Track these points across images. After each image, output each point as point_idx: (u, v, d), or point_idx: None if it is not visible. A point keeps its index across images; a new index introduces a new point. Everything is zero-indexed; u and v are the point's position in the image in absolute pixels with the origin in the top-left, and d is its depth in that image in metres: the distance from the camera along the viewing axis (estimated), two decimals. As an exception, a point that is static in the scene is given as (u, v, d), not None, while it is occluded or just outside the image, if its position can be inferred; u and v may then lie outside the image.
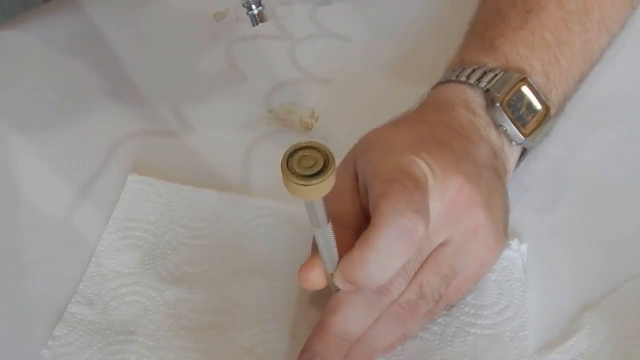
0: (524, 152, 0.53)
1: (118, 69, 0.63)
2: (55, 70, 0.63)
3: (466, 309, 0.49)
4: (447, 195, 0.45)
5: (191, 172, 0.56)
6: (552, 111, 0.53)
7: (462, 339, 0.48)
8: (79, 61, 0.63)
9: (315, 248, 0.45)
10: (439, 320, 0.48)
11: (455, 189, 0.46)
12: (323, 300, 0.48)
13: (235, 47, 0.64)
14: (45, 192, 0.55)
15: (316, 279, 0.45)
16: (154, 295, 0.50)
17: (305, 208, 0.41)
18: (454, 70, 0.53)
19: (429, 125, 0.49)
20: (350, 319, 0.45)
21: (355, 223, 0.45)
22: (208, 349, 0.47)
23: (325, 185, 0.38)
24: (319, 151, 0.39)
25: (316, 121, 0.58)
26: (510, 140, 0.51)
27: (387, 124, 0.50)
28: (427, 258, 0.46)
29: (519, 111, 0.51)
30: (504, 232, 0.48)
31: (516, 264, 0.50)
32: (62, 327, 0.48)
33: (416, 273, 0.45)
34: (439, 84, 0.53)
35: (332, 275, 0.44)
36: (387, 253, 0.43)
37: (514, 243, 0.51)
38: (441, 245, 0.46)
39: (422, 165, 0.45)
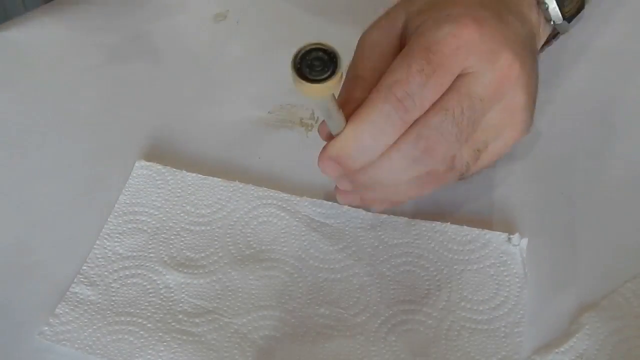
0: (547, 41, 0.54)
1: (118, 70, 0.63)
2: (55, 70, 0.63)
3: (462, 303, 0.49)
4: (498, 67, 0.46)
5: (192, 170, 0.56)
6: None
7: (456, 333, 0.47)
8: (79, 61, 0.63)
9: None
10: (435, 314, 0.48)
11: (507, 64, 0.46)
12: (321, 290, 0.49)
13: (235, 49, 0.64)
14: (46, 193, 0.55)
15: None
16: (155, 279, 0.50)
17: (314, 103, 0.44)
18: None
19: None
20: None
21: None
22: (204, 334, 0.48)
23: (333, 84, 0.40)
24: (326, 52, 0.40)
25: (316, 122, 0.58)
26: (549, 19, 0.51)
27: None
28: (466, 133, 0.46)
29: None
30: (532, 119, 0.49)
31: (515, 259, 0.50)
32: (63, 306, 0.49)
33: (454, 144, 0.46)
34: None
35: None
36: (370, 131, 0.44)
37: (514, 237, 0.50)
38: (483, 119, 0.46)
39: (466, 36, 0.45)
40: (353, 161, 0.45)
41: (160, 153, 0.57)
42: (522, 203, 0.53)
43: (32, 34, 0.65)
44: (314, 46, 0.40)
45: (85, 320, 0.48)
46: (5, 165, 0.57)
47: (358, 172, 0.46)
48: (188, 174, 0.55)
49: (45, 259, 0.52)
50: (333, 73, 0.39)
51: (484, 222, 0.52)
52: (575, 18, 0.53)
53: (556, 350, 0.47)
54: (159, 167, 0.55)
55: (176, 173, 0.55)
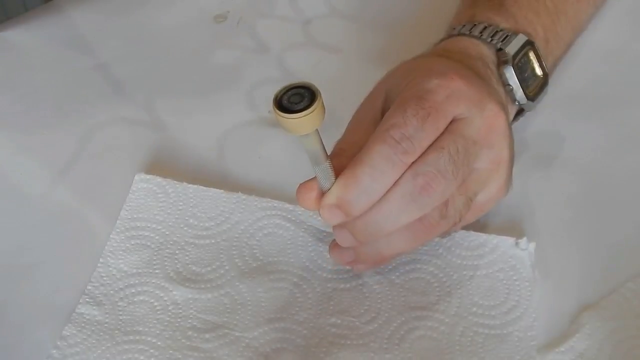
0: (515, 116, 0.55)
1: (118, 70, 0.62)
2: (55, 70, 0.62)
3: (474, 309, 0.49)
4: (485, 115, 0.47)
5: (193, 172, 0.56)
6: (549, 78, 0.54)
7: (469, 339, 0.47)
8: (79, 62, 0.63)
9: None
10: (447, 320, 0.48)
11: (493, 113, 0.47)
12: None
13: (236, 49, 0.64)
14: (46, 193, 0.55)
15: (312, 201, 0.46)
16: (162, 296, 0.50)
17: (304, 148, 0.43)
18: (464, 25, 0.53)
19: (458, 62, 0.50)
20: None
21: None
22: (216, 349, 0.47)
23: (313, 117, 0.40)
24: (306, 88, 0.41)
25: None
26: (514, 100, 0.52)
27: (419, 57, 0.51)
28: (462, 173, 0.46)
29: (524, 74, 0.52)
30: (511, 181, 0.49)
31: (524, 263, 0.50)
32: (70, 327, 0.48)
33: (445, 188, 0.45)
34: (451, 35, 0.53)
35: None
36: (370, 173, 0.44)
37: (522, 242, 0.51)
38: (475, 163, 0.47)
39: (454, 86, 0.46)
40: (354, 205, 0.45)
41: (162, 154, 0.57)
42: (521, 204, 0.53)
43: (32, 34, 0.65)
44: (292, 86, 0.41)
45: (94, 342, 0.48)
46: (5, 166, 0.57)
47: (357, 220, 0.46)
48: (189, 185, 0.54)
49: (45, 259, 0.51)
50: (311, 103, 0.40)
51: (485, 225, 0.52)
52: (540, 95, 0.54)
53: (556, 350, 0.47)
54: (159, 179, 0.55)
55: (177, 185, 0.54)
